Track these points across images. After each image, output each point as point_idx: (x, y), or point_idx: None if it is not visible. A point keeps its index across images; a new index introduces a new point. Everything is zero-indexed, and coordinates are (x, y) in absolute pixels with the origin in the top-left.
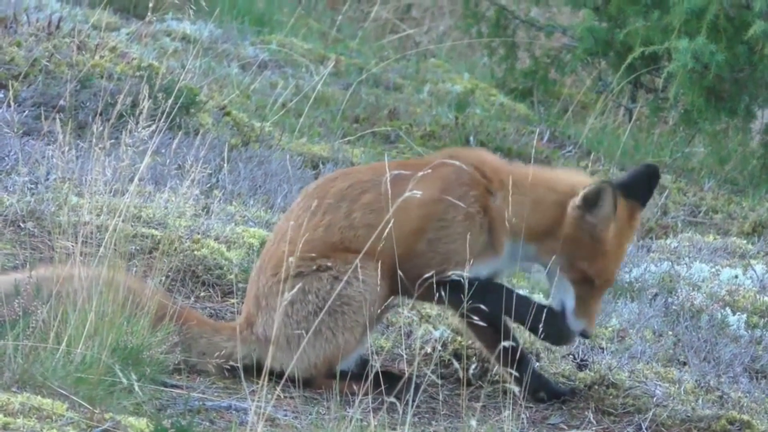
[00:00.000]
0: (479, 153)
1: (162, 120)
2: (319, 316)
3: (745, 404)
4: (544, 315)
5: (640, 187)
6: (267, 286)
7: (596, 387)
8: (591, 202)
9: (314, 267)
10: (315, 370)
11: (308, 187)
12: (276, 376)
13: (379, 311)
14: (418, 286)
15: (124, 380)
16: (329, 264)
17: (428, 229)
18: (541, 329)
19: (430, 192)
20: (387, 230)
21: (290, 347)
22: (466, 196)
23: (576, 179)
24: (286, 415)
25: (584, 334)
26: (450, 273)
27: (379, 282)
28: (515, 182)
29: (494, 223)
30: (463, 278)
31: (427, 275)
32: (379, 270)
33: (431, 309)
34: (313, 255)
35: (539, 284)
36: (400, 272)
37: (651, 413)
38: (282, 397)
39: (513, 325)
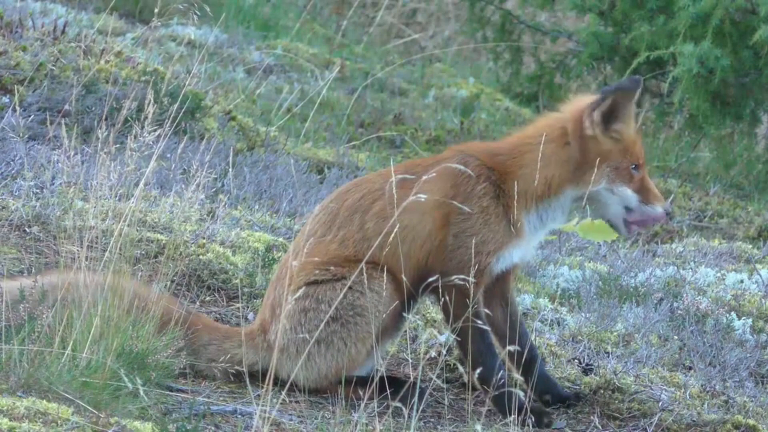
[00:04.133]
0: (474, 145)
1: (167, 125)
2: (330, 325)
3: (751, 408)
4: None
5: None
6: (284, 295)
7: (602, 391)
8: (610, 113)
9: (329, 276)
10: (326, 381)
11: (324, 201)
12: (283, 382)
13: (389, 320)
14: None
15: (130, 385)
16: (345, 273)
17: (452, 222)
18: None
19: (443, 190)
20: (402, 236)
21: (300, 355)
22: (475, 190)
23: (557, 116)
24: (291, 420)
25: (668, 212)
26: (486, 261)
27: (391, 291)
28: (516, 154)
29: (509, 206)
30: (469, 283)
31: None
32: (389, 279)
33: (437, 314)
34: (329, 265)
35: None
36: (406, 277)
37: (656, 418)
38: (287, 401)
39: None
